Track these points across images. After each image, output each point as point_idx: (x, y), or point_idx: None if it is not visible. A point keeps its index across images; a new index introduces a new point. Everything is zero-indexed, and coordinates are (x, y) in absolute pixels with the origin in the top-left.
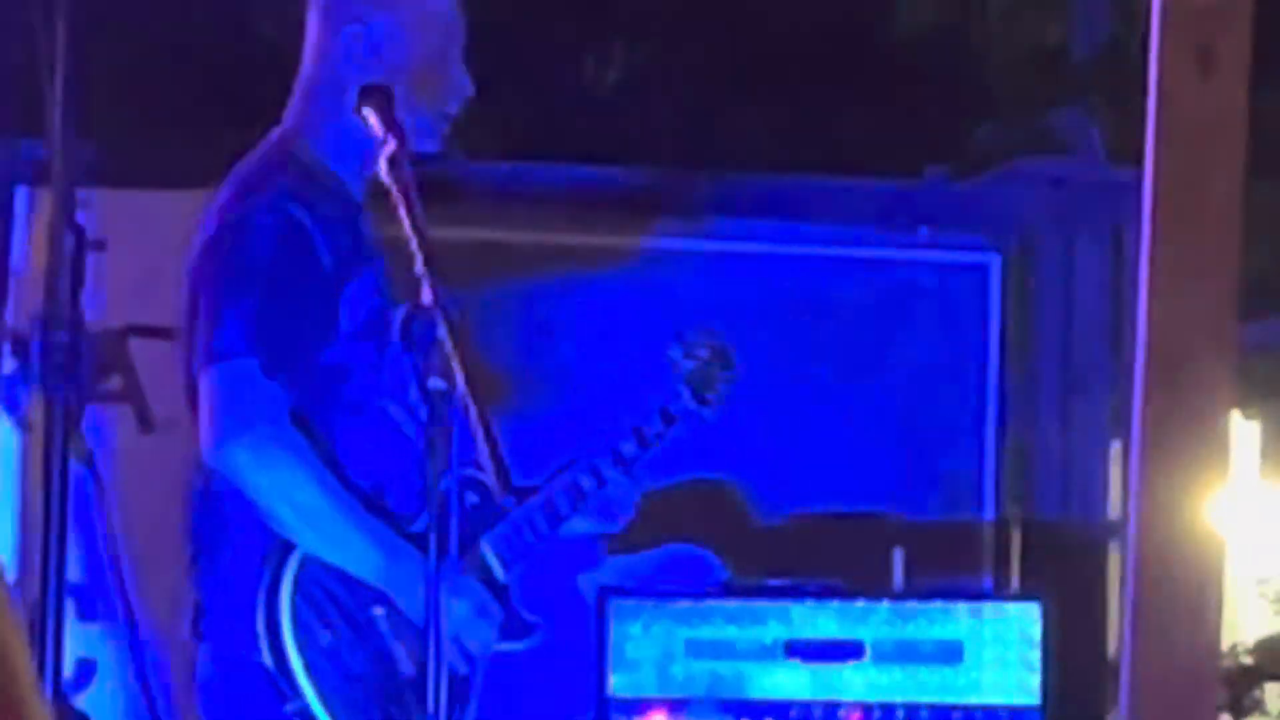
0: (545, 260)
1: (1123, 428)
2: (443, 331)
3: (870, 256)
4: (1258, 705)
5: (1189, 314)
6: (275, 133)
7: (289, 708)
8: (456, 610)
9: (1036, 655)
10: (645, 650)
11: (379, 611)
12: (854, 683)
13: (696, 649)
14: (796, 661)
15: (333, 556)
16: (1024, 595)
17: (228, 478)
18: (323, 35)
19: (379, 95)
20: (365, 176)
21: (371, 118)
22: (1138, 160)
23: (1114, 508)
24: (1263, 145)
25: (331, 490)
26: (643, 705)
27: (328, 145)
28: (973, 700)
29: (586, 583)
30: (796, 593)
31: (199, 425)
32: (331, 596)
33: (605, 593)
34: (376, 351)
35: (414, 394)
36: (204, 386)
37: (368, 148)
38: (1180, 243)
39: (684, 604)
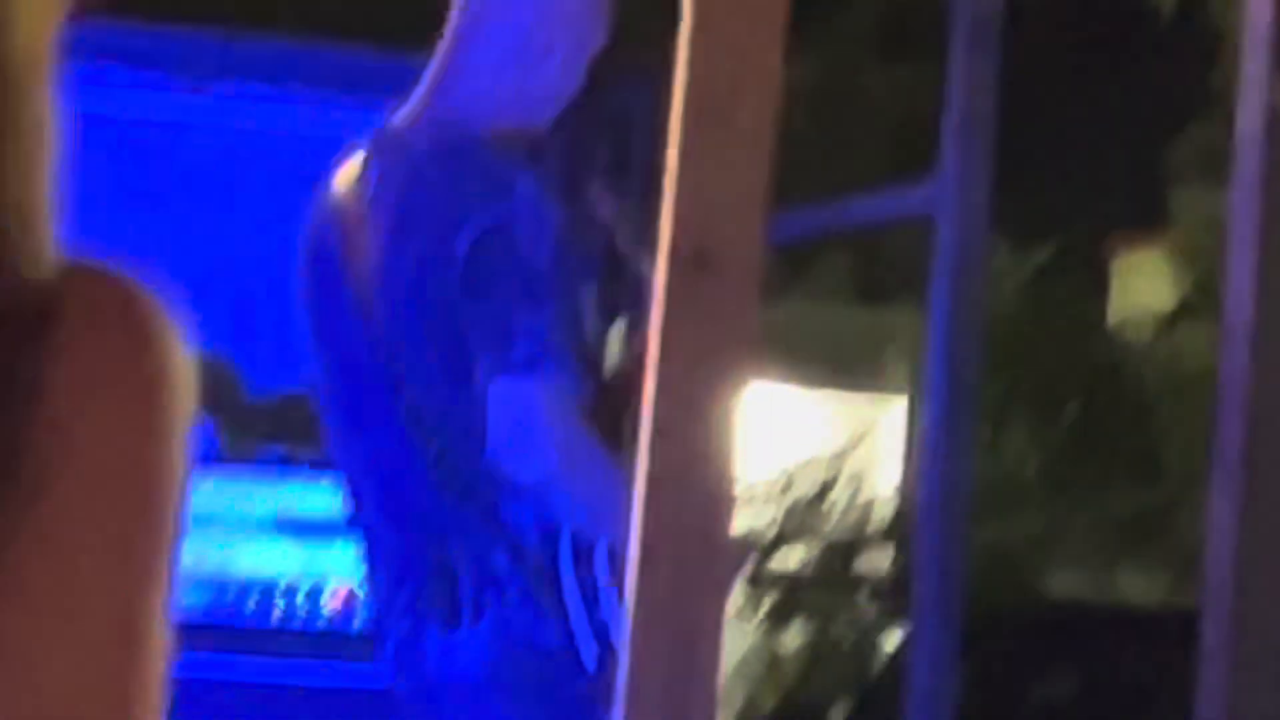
0: None
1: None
2: None
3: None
4: None
5: (717, 208)
6: None
7: None
8: None
9: None
10: None
11: None
12: (344, 560)
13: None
14: (287, 537)
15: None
16: None
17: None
18: None
19: None
20: None
21: None
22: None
23: None
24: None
25: None
26: None
27: None
28: None
29: None
30: (288, 466)
31: None
32: None
33: None
34: None
35: None
36: None
37: None
38: (711, 137)
39: None
